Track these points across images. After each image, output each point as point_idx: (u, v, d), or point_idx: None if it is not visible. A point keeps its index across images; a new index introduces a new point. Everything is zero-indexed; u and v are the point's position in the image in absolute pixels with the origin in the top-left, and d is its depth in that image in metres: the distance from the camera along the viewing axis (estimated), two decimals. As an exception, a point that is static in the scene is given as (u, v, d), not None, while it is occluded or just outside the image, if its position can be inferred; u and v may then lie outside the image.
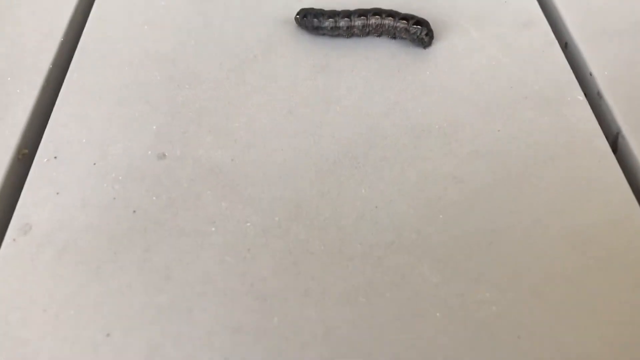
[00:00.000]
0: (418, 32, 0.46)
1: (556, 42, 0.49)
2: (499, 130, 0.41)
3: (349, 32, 0.47)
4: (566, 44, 0.50)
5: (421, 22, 0.46)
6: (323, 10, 0.48)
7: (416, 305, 0.33)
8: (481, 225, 0.37)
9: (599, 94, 0.45)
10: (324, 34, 0.48)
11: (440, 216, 0.37)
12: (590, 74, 0.46)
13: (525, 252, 0.35)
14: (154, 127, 0.42)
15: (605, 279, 0.34)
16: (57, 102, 0.43)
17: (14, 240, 0.36)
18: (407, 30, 0.46)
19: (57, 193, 0.38)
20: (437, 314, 0.33)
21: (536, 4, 0.52)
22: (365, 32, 0.47)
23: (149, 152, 0.40)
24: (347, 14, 0.47)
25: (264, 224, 0.37)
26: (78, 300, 0.33)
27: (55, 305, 0.33)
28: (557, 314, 0.33)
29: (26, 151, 0.41)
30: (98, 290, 0.34)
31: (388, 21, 0.47)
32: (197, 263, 0.35)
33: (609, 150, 0.41)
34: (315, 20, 0.47)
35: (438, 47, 0.48)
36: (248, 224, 0.37)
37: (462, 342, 0.32)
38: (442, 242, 0.36)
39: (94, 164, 0.40)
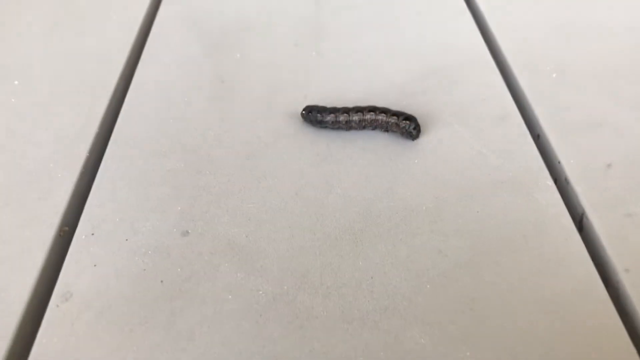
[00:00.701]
0: (407, 126, 0.53)
1: (529, 133, 0.55)
2: (478, 212, 0.47)
3: (348, 126, 0.54)
4: (538, 135, 0.56)
5: (410, 118, 0.53)
6: (325, 107, 0.55)
7: (407, 364, 0.38)
8: (464, 294, 0.42)
9: (566, 179, 0.51)
10: (326, 127, 0.55)
11: (428, 286, 0.42)
12: (559, 162, 0.52)
13: (502, 316, 0.40)
14: (179, 208, 0.48)
15: (571, 340, 0.39)
16: (93, 186, 0.50)
17: (57, 306, 0.41)
18: (397, 124, 0.53)
19: (95, 265, 0.44)
20: (425, 371, 0.38)
21: (511, 100, 0.59)
22: (362, 126, 0.54)
23: (174, 230, 0.46)
24: (346, 111, 0.54)
25: (274, 292, 0.42)
26: (113, 359, 0.38)
27: (93, 363, 0.38)
28: (530, 371, 0.38)
29: (67, 229, 0.47)
30: (131, 350, 0.39)
31: (381, 117, 0.54)
32: (216, 327, 0.40)
33: (575, 229, 0.46)
34: (318, 115, 0.54)
35: (425, 139, 0.54)
36: (260, 292, 0.42)
37: (447, 395, 0.37)
38: (430, 308, 0.41)
39: (126, 240, 0.45)
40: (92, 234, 0.46)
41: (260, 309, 0.41)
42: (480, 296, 0.42)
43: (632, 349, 0.39)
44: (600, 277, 0.43)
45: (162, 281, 0.43)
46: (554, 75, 0.62)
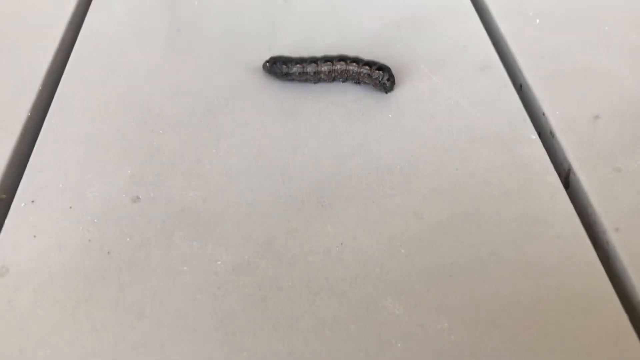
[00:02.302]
0: (380, 77, 0.49)
1: (511, 84, 0.51)
2: (456, 169, 0.44)
3: (316, 78, 0.50)
4: (521, 85, 0.53)
5: (383, 68, 0.49)
6: (291, 57, 0.50)
7: (379, 337, 0.35)
8: (441, 259, 0.38)
9: (551, 133, 0.47)
10: (292, 80, 0.51)
11: (402, 251, 0.39)
12: (543, 114, 0.49)
13: (483, 283, 0.37)
14: (129, 171, 0.43)
15: (557, 306, 0.36)
16: (34, 149, 0.45)
17: (-9, 282, 0.37)
18: (370, 75, 0.49)
19: (34, 236, 0.39)
20: (399, 345, 0.34)
21: (492, 48, 0.55)
22: (331, 77, 0.50)
23: (123, 195, 0.42)
24: (314, 60, 0.50)
25: (234, 262, 0.38)
26: (54, 340, 0.34)
27: (31, 345, 0.34)
28: (513, 341, 0.35)
29: (4, 196, 0.42)
30: (73, 329, 0.35)
31: (352, 67, 0.49)
32: (169, 301, 0.36)
33: (561, 185, 0.43)
34: (284, 66, 0.50)
35: (400, 91, 0.50)
36: (219, 262, 0.38)
37: (422, 371, 0.34)
38: (404, 276, 0.38)
39: (70, 207, 0.41)
40: (32, 202, 0.41)
41: (218, 281, 0.37)
42: (459, 261, 0.38)
43: (623, 314, 0.36)
44: (589, 238, 0.40)
45: (109, 252, 0.38)
46: (537, 20, 0.58)
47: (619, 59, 0.54)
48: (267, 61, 0.51)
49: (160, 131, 0.46)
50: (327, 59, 0.50)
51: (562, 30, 0.57)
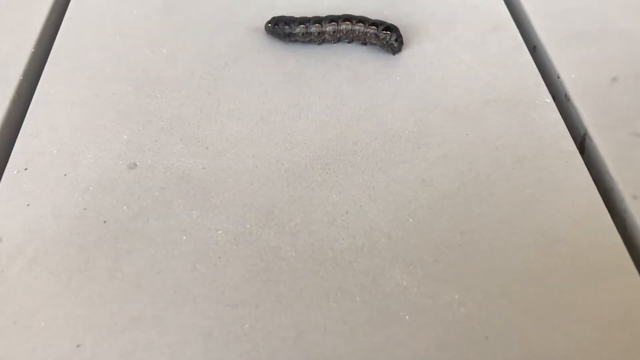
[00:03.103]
0: (387, 37, 0.46)
1: (524, 45, 0.49)
2: (467, 134, 0.42)
3: (320, 38, 0.48)
4: (534, 47, 0.50)
5: (390, 28, 0.47)
6: (294, 17, 0.48)
7: (386, 309, 0.33)
8: (450, 228, 0.37)
9: (566, 96, 0.45)
10: (295, 41, 0.48)
11: (410, 220, 0.37)
12: (558, 77, 0.47)
13: (494, 253, 0.36)
14: (125, 137, 0.42)
15: (570, 277, 0.35)
16: (27, 114, 0.43)
17: (-17, 252, 0.35)
18: (377, 35, 0.47)
19: (28, 204, 0.38)
20: (407, 317, 0.33)
21: (505, 8, 0.53)
22: (337, 37, 0.48)
23: (120, 162, 0.40)
24: (318, 20, 0.47)
25: (235, 231, 0.37)
26: (48, 311, 0.33)
27: (26, 317, 0.33)
28: (525, 313, 0.33)
29: (-4, 163, 0.41)
30: (68, 300, 0.34)
31: (358, 27, 0.47)
32: (168, 271, 0.35)
33: (576, 151, 0.41)
34: (286, 27, 0.48)
35: (408, 52, 0.48)
36: (219, 232, 0.37)
37: (431, 344, 0.32)
38: (412, 245, 0.36)
39: (65, 174, 0.39)
40: (25, 169, 0.40)
41: (219, 250, 0.36)
42: (470, 230, 0.37)
43: (640, 284, 0.34)
44: (605, 206, 0.38)
45: (105, 221, 0.37)
46: (552, -22, 0.55)
47: (637, 18, 0.51)
48: (269, 21, 0.49)
49: (158, 95, 0.45)
50: (332, 19, 0.47)
51: (578, -12, 0.55)
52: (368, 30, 0.47)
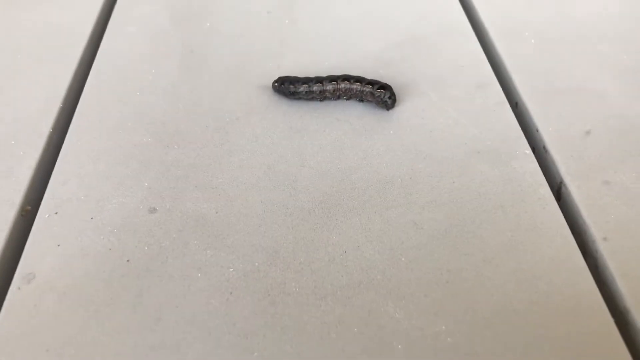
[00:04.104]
0: (382, 95, 0.51)
1: (507, 101, 0.54)
2: (454, 182, 0.46)
3: (322, 96, 0.53)
4: (516, 103, 0.55)
5: (385, 87, 0.52)
6: (298, 77, 0.53)
7: (381, 339, 0.37)
8: (439, 266, 0.41)
9: (544, 147, 0.50)
10: (299, 98, 0.53)
11: (403, 259, 0.41)
12: (537, 130, 0.51)
13: (478, 288, 0.40)
14: (146, 184, 0.46)
15: (547, 312, 0.38)
16: (57, 163, 0.48)
17: (19, 288, 0.39)
18: (372, 93, 0.52)
19: (58, 245, 0.42)
20: (399, 346, 0.37)
21: (489, 67, 0.58)
22: (336, 95, 0.53)
23: (141, 207, 0.45)
24: (320, 80, 0.53)
25: (244, 269, 0.41)
26: (78, 340, 0.37)
27: (57, 345, 0.37)
28: (506, 343, 0.37)
29: (29, 208, 0.45)
30: (96, 330, 0.37)
31: (356, 86, 0.52)
32: (185, 305, 0.39)
33: (553, 198, 0.45)
34: (291, 86, 0.53)
35: (401, 108, 0.53)
36: (231, 269, 0.41)
37: (421, 370, 0.36)
38: (404, 282, 0.40)
39: (91, 218, 0.44)
40: (56, 213, 0.44)
41: (230, 287, 0.40)
42: (456, 268, 0.41)
43: (610, 319, 0.38)
44: (579, 247, 0.42)
45: (128, 260, 0.41)
46: (532, 41, 0.61)
47: (610, 78, 0.56)
48: (276, 81, 0.54)
49: (176, 146, 0.49)
50: (332, 79, 0.52)
51: (556, 50, 0.60)
52: (364, 88, 0.52)
